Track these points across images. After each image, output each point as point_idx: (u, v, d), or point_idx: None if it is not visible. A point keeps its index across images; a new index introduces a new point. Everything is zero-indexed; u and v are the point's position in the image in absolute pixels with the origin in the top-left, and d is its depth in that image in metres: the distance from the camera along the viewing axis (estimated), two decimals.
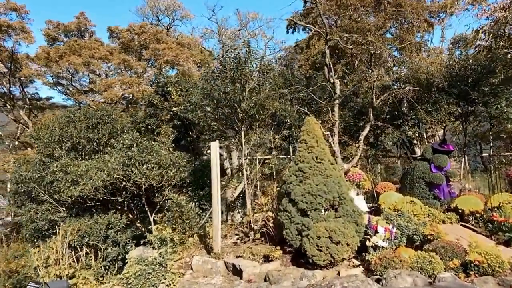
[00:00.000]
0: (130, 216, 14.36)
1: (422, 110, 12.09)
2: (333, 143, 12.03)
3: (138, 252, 9.09)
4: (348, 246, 7.57)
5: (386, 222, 8.55)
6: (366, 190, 13.45)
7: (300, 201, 8.28)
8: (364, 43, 12.88)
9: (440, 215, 11.44)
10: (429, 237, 8.14)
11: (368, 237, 8.13)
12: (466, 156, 13.04)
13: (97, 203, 13.25)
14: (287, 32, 18.20)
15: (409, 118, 13.15)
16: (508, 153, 13.25)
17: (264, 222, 9.48)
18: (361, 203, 13.38)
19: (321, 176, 8.48)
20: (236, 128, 10.69)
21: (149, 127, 15.25)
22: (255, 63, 10.34)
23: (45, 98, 26.97)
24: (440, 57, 13.33)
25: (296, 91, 12.75)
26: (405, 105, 11.72)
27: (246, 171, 10.75)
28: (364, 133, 12.01)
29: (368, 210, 13.28)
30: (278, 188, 9.66)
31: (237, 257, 8.87)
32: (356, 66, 18.04)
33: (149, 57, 22.52)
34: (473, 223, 10.95)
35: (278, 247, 8.61)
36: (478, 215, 10.91)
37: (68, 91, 24.97)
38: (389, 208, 11.86)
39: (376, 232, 7.94)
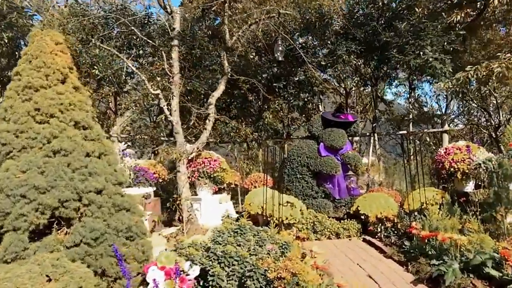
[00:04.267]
0: None
1: (310, 63, 7.78)
2: (170, 110, 7.39)
3: None
4: None
5: (193, 250, 4.07)
6: (234, 186, 9.01)
7: None
8: None
9: (332, 224, 7.33)
10: (276, 284, 3.72)
11: None
12: (376, 135, 8.96)
13: None
14: None
15: (296, 79, 8.82)
16: (435, 129, 9.38)
17: None
18: (225, 208, 9.02)
19: (43, 152, 3.77)
20: None
21: None
22: None
23: None
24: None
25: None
26: (280, 49, 7.32)
27: None
28: (216, 93, 7.55)
29: (238, 216, 8.83)
30: None
31: None
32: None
33: None
34: (382, 235, 6.86)
35: None
36: (389, 223, 6.83)
37: None
38: (259, 213, 7.55)
39: (144, 283, 3.38)
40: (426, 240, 5.55)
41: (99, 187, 3.89)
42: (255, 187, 8.59)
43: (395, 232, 6.80)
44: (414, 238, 5.89)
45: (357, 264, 5.88)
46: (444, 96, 15.43)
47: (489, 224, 5.65)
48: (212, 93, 7.63)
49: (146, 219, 5.58)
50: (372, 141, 9.27)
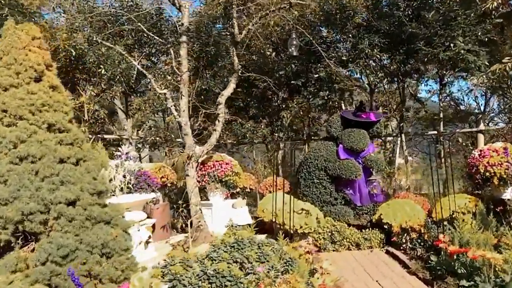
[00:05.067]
0: None
1: (329, 58, 7.20)
2: (179, 111, 6.98)
3: None
4: None
5: (179, 268, 3.60)
6: (248, 190, 8.49)
7: None
8: None
9: (352, 233, 6.72)
10: None
11: None
12: (403, 135, 8.25)
13: None
14: None
15: (316, 75, 8.22)
16: (468, 129, 8.56)
17: None
18: (239, 214, 8.61)
19: (8, 158, 3.39)
20: None
21: None
22: None
23: None
24: None
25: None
26: (294, 43, 6.76)
27: None
28: (226, 92, 7.07)
29: (253, 222, 8.38)
30: None
31: None
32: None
33: None
34: (407, 247, 6.20)
35: None
36: (415, 234, 6.15)
37: None
38: (273, 221, 7.05)
39: None
40: (455, 256, 4.87)
41: (72, 198, 3.47)
42: (270, 192, 8.04)
43: (422, 244, 6.12)
44: (442, 253, 5.22)
45: (376, 281, 5.27)
46: (483, 93, 14.40)
47: None
48: (222, 92, 7.15)
49: (138, 229, 5.16)
50: (399, 142, 8.53)
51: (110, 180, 5.90)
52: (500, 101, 12.90)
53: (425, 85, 8.86)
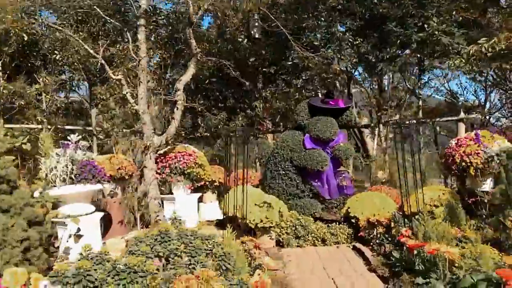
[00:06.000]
0: None
1: (296, 42, 6.76)
2: (136, 98, 6.61)
3: None
4: None
5: (86, 262, 3.19)
6: (217, 184, 8.06)
7: None
8: None
9: (318, 228, 6.27)
10: None
11: None
12: (381, 124, 7.80)
13: None
14: None
15: (289, 63, 7.78)
16: (449, 118, 8.09)
17: None
18: (208, 208, 8.25)
19: None
20: None
21: None
22: None
23: None
24: None
25: None
26: (256, 25, 6.34)
27: None
28: (184, 77, 6.69)
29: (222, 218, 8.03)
30: None
31: None
32: None
33: None
34: (375, 243, 5.75)
35: None
36: (381, 229, 5.71)
37: None
38: (235, 215, 6.62)
39: None
40: (413, 251, 4.42)
41: None
42: (237, 185, 7.61)
43: (389, 239, 5.66)
44: (404, 248, 4.77)
45: (332, 278, 4.81)
46: (482, 87, 13.86)
47: (497, 232, 4.43)
48: (180, 77, 6.74)
49: (65, 222, 4.76)
50: (377, 132, 8.07)
51: (51, 169, 5.53)
52: (503, 95, 12.39)
53: (408, 73, 8.34)
